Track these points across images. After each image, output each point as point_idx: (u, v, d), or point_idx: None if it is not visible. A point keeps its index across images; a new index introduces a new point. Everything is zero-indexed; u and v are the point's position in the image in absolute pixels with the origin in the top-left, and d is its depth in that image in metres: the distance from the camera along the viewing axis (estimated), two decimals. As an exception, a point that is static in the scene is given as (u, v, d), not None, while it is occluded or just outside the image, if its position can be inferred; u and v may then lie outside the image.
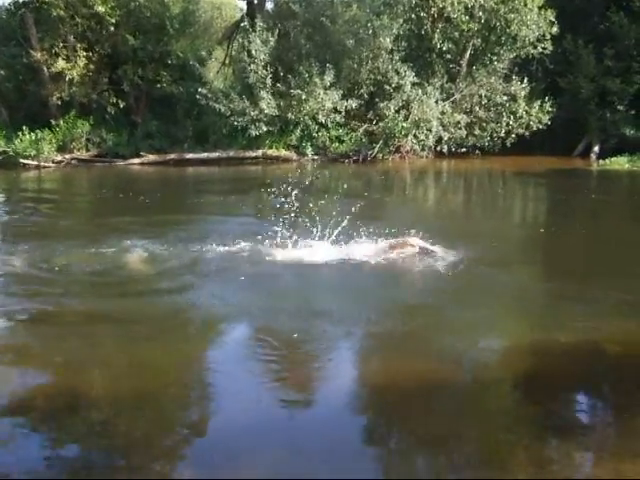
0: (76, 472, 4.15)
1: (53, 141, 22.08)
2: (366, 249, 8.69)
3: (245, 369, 5.71)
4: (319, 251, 8.65)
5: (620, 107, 24.28)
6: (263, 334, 6.44)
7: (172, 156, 22.20)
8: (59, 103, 22.73)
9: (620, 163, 22.40)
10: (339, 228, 8.92)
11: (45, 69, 22.50)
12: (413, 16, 23.55)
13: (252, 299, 7.37)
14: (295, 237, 9.02)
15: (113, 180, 19.86)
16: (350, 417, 4.90)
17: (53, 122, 22.28)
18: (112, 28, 22.57)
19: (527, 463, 4.18)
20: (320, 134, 22.70)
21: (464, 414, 4.85)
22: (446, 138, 23.11)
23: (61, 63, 22.10)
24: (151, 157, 22.07)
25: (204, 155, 22.21)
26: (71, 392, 5.17)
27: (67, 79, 22.11)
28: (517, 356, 5.97)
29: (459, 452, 4.36)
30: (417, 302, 7.35)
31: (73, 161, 22.21)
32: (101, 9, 21.83)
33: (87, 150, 22.74)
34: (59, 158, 22.02)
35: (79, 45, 22.71)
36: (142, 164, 21.91)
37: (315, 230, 9.08)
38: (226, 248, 9.09)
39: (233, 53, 25.14)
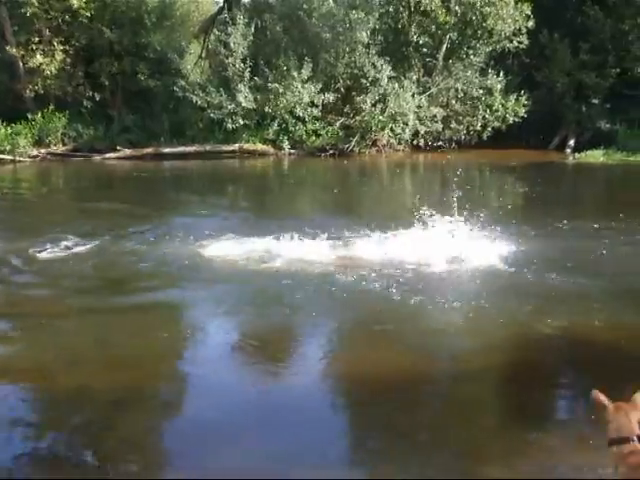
0: (56, 464, 4.18)
1: (29, 135, 21.99)
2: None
3: (225, 360, 5.80)
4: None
5: (595, 101, 24.47)
6: (243, 329, 6.53)
7: (149, 150, 22.13)
8: (33, 97, 22.59)
9: (595, 156, 22.57)
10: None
11: (20, 63, 22.37)
12: (390, 10, 23.60)
13: (235, 294, 7.49)
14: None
15: (88, 175, 19.81)
16: (329, 405, 4.99)
17: (29, 116, 22.17)
18: (87, 21, 22.46)
19: (505, 452, 4.25)
20: (297, 128, 22.71)
21: (443, 404, 4.97)
22: (422, 132, 23.18)
23: (38, 58, 21.98)
24: (127, 151, 22.00)
25: (180, 149, 22.17)
26: (47, 387, 5.23)
27: (44, 74, 21.99)
28: (498, 346, 6.04)
29: (436, 441, 4.43)
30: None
31: (49, 156, 22.09)
32: (75, 3, 21.66)
33: (63, 144, 22.65)
34: (35, 152, 21.90)
35: (55, 39, 22.58)
36: (118, 158, 21.84)
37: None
38: (203, 244, 9.14)
39: (210, 46, 25.01)
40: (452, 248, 8.38)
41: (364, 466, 4.25)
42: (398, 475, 4.01)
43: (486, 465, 4.12)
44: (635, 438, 2.89)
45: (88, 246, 9.28)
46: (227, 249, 8.89)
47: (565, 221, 10.57)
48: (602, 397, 3.05)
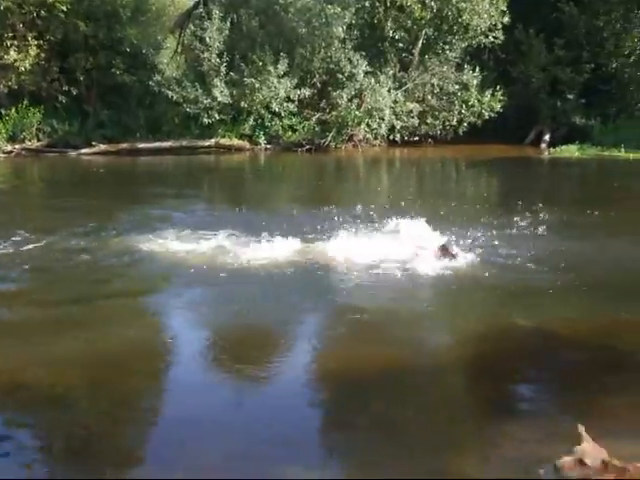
0: (31, 463, 4.14)
1: (3, 131, 21.81)
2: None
3: (201, 358, 5.75)
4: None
5: (570, 96, 24.72)
6: (222, 324, 6.49)
7: (124, 146, 21.98)
8: (7, 92, 22.38)
9: (570, 151, 22.77)
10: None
11: (-7, 58, 22.17)
12: (366, 4, 23.60)
13: (200, 292, 7.43)
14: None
15: (61, 171, 19.69)
16: (306, 402, 4.96)
17: (3, 112, 21.98)
18: (62, 16, 22.26)
19: (481, 444, 4.28)
20: (273, 123, 22.71)
21: (420, 398, 5.00)
22: (399, 127, 23.24)
23: (12, 54, 21.76)
24: (103, 147, 21.84)
25: (156, 144, 22.05)
26: (23, 383, 5.17)
27: (18, 70, 21.79)
28: (473, 341, 6.08)
29: (414, 434, 4.46)
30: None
31: (24, 151, 21.90)
32: (50, -3, 21.49)
33: (38, 140, 22.45)
34: (9, 148, 21.71)
35: (30, 34, 22.37)
36: (94, 154, 21.66)
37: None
38: (176, 240, 9.09)
39: (185, 41, 24.93)
40: (420, 246, 8.34)
41: (342, 461, 4.26)
42: (378, 469, 4.03)
43: (462, 456, 4.16)
44: None
45: (42, 242, 9.17)
46: (181, 245, 8.85)
47: (534, 215, 10.62)
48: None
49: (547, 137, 24.79)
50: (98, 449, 4.27)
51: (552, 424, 4.54)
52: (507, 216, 10.61)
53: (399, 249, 8.26)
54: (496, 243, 8.86)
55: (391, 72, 23.42)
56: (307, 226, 9.70)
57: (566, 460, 2.92)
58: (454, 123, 23.99)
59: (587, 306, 6.80)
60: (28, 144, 22.16)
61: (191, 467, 4.01)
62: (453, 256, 7.95)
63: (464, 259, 8.10)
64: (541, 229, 9.72)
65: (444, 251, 8.03)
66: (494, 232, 9.38)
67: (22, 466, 4.15)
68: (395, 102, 23.11)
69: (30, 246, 8.98)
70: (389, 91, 22.94)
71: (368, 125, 22.86)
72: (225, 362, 5.69)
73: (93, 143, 21.85)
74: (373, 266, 7.81)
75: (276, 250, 8.42)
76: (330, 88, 22.99)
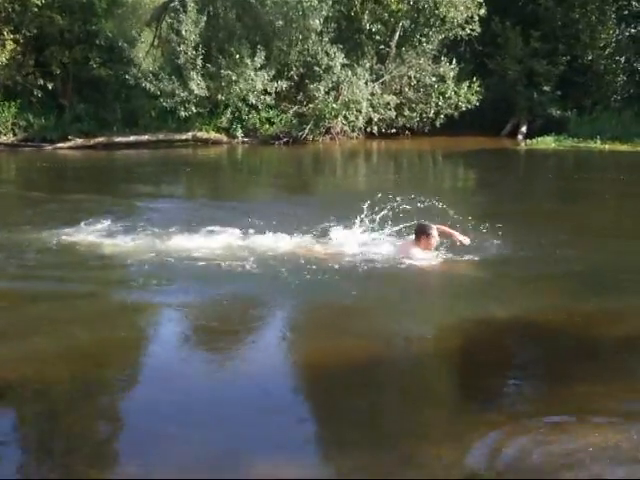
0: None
1: (-22, 126, 21.67)
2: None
3: (179, 351, 5.73)
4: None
5: (546, 88, 24.89)
6: (198, 317, 6.46)
7: (100, 139, 21.83)
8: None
9: (547, 142, 22.96)
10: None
11: (-32, 52, 21.95)
12: (343, -3, 23.60)
13: (195, 283, 7.37)
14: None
15: (37, 165, 19.55)
16: (286, 394, 4.95)
17: (-24, 106, 21.83)
18: (37, 9, 22.08)
19: (460, 433, 4.29)
20: (250, 116, 22.67)
21: (400, 388, 5.03)
22: (376, 119, 23.26)
23: (-13, 49, 21.59)
24: (79, 141, 21.66)
25: (133, 138, 21.93)
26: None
27: (-5, 65, 21.62)
28: (452, 332, 6.09)
29: (395, 425, 4.46)
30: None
31: (-1, 146, 21.78)
32: (24, -10, 21.30)
33: (14, 134, 22.28)
34: (-16, 143, 21.58)
35: (5, 28, 22.17)
36: (70, 148, 21.53)
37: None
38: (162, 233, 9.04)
39: (162, 34, 24.81)
40: (396, 239, 8.27)
41: (323, 454, 4.24)
42: (359, 462, 4.04)
43: (442, 446, 4.16)
44: None
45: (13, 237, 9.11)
46: (156, 240, 8.79)
47: (508, 207, 10.72)
48: None
49: (524, 129, 24.97)
50: (78, 445, 4.24)
51: (528, 410, 4.59)
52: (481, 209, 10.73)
53: (376, 241, 8.19)
54: (476, 236, 8.92)
55: (368, 64, 23.44)
56: (283, 219, 9.68)
57: None
58: (431, 115, 24.06)
59: (569, 297, 6.86)
60: (3, 139, 22.01)
61: (167, 461, 3.98)
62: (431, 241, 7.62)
63: (443, 251, 8.10)
64: (511, 222, 9.81)
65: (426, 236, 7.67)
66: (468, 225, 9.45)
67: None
68: (372, 94, 23.14)
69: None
70: (366, 83, 22.97)
71: (345, 118, 22.87)
72: (203, 353, 5.71)
73: (69, 137, 21.69)
74: (349, 257, 7.78)
75: (249, 243, 8.40)
76: (307, 81, 22.97)
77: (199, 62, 21.92)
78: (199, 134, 22.45)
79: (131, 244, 8.69)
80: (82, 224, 9.55)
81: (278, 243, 8.35)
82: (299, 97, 23.38)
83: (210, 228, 9.09)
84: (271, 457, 4.06)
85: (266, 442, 4.21)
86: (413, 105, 23.92)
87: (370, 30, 23.63)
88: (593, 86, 25.51)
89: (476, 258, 7.86)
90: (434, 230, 7.65)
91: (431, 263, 7.58)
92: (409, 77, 23.81)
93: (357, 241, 8.22)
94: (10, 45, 21.88)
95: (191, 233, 8.98)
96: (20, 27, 22.45)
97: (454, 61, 24.00)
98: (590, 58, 25.26)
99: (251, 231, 8.80)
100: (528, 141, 23.63)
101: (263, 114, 22.84)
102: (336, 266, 7.50)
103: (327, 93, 22.53)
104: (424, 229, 7.68)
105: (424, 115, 24.07)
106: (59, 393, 4.93)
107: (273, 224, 9.07)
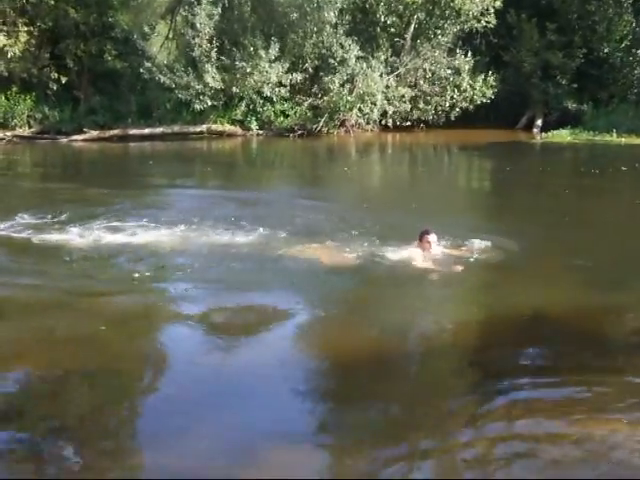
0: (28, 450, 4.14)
1: (-7, 118, 21.76)
2: None
3: (189, 339, 5.79)
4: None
5: (562, 81, 24.69)
6: (214, 308, 6.48)
7: (115, 132, 21.92)
8: (-4, 79, 22.30)
9: (562, 136, 22.80)
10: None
11: (-17, 45, 22.04)
12: (357, -11, 23.50)
13: (209, 274, 7.42)
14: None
15: (53, 157, 19.65)
16: (296, 381, 4.98)
17: (-7, 99, 21.93)
18: (52, 2, 22.12)
19: (465, 424, 4.30)
20: (265, 108, 22.65)
21: (410, 379, 5.06)
22: (391, 112, 23.18)
23: (2, 39, 21.60)
24: (94, 133, 21.75)
25: (147, 131, 21.99)
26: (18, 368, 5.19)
27: (9, 56, 21.65)
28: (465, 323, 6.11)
29: (403, 414, 4.51)
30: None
31: (15, 138, 21.82)
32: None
33: (29, 127, 22.38)
34: (0, 135, 21.63)
35: (20, 20, 22.24)
36: (85, 140, 21.60)
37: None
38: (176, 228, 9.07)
39: (177, 27, 24.81)
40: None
41: (332, 442, 4.26)
42: (367, 451, 4.05)
43: (455, 437, 4.17)
44: None
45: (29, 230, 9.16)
46: (170, 230, 8.89)
47: (519, 202, 10.66)
48: None
49: (539, 122, 24.82)
50: (93, 434, 4.25)
51: (540, 403, 4.58)
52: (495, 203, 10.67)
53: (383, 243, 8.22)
54: (485, 231, 8.89)
55: (383, 57, 23.32)
56: (297, 215, 9.78)
57: None
58: (446, 108, 23.93)
59: (576, 290, 6.85)
60: (19, 131, 22.09)
61: (189, 449, 3.98)
62: (429, 243, 7.76)
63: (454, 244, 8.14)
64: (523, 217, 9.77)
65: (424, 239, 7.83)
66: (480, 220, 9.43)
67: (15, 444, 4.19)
68: (387, 87, 23.06)
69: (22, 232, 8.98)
70: (381, 76, 22.88)
71: (360, 110, 22.80)
72: (214, 343, 5.73)
73: (84, 129, 21.76)
74: (356, 258, 7.79)
75: (261, 238, 8.46)
76: (322, 73, 22.89)
77: (214, 55, 21.91)
78: (214, 126, 22.45)
79: (144, 238, 8.71)
80: (98, 219, 9.61)
81: (290, 243, 8.35)
82: (314, 89, 23.31)
83: (223, 222, 9.19)
84: (285, 446, 4.06)
85: (280, 430, 4.23)
86: (428, 98, 23.80)
87: (385, 22, 23.51)
88: (609, 79, 25.26)
89: (486, 253, 7.87)
90: (432, 235, 7.80)
91: (431, 263, 7.62)
92: (424, 70, 23.68)
93: (364, 243, 8.24)
94: (24, 37, 21.93)
95: (207, 228, 9.00)
96: (35, 20, 22.52)
97: (469, 54, 23.85)
98: (606, 51, 25.02)
99: (265, 229, 8.83)
100: (543, 134, 23.49)
101: (278, 106, 22.81)
102: (343, 266, 7.53)
103: (342, 85, 22.45)
104: (422, 232, 7.87)
105: (439, 108, 23.93)
106: (74, 382, 4.97)
107: (290, 222, 9.15)
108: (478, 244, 8.10)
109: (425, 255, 7.71)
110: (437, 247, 7.83)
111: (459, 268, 7.34)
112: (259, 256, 7.84)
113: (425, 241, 7.75)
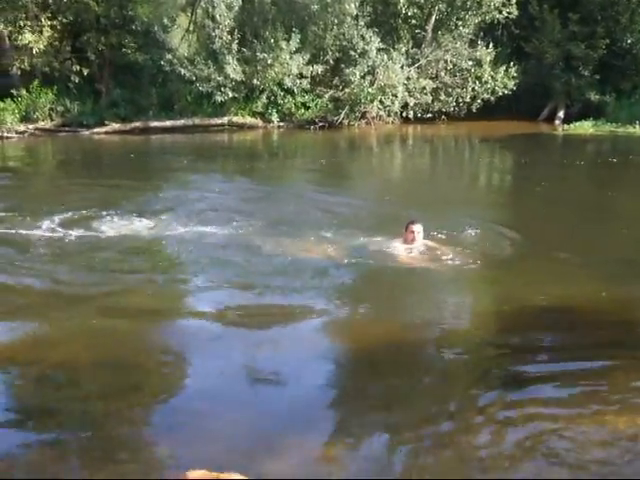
0: (48, 444, 4.15)
1: (16, 111, 21.79)
2: None
3: (216, 331, 5.81)
4: None
5: (585, 72, 24.41)
6: (231, 302, 6.49)
7: (137, 124, 21.98)
8: (19, 73, 22.39)
9: (584, 128, 22.61)
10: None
11: (7, 39, 22.15)
12: (378, -19, 23.41)
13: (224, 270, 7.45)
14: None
15: (75, 150, 19.73)
16: (317, 373, 5.00)
17: (15, 92, 21.99)
18: (74, -5, 22.20)
19: (488, 418, 4.29)
20: (286, 100, 22.61)
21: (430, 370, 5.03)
22: (412, 104, 23.10)
23: (27, 36, 21.68)
24: (116, 126, 21.82)
25: (169, 123, 22.04)
26: (37, 360, 5.20)
27: (34, 51, 21.74)
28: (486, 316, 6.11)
29: (421, 406, 4.50)
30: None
31: (37, 131, 21.91)
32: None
33: (51, 120, 22.45)
34: (22, 128, 21.73)
35: (43, 15, 22.33)
36: (107, 133, 21.68)
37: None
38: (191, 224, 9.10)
39: (197, 19, 24.81)
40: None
41: (350, 432, 4.24)
42: (391, 443, 4.05)
43: (473, 428, 4.17)
44: None
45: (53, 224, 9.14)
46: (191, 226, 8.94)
47: (541, 194, 10.60)
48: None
49: (561, 114, 24.61)
50: (111, 425, 4.27)
51: (560, 398, 4.55)
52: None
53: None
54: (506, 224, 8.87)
55: (404, 49, 23.23)
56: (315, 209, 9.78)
57: None
58: (467, 100, 23.79)
59: (596, 283, 6.77)
60: (41, 124, 22.19)
61: (206, 442, 3.98)
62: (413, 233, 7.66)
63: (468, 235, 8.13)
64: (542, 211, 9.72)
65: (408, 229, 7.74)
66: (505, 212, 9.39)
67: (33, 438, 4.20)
68: (408, 79, 22.96)
69: (44, 228, 8.97)
70: (402, 68, 22.78)
71: (381, 102, 22.72)
72: (232, 335, 5.79)
73: (106, 122, 21.85)
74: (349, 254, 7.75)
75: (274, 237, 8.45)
76: (343, 65, 22.81)
77: (234, 46, 21.89)
78: (235, 119, 22.44)
79: (161, 232, 8.78)
80: (119, 212, 9.68)
81: (303, 239, 8.35)
82: (334, 81, 23.21)
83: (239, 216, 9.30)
84: (306, 437, 4.07)
85: (300, 422, 4.26)
86: (449, 90, 23.68)
87: (406, 14, 23.41)
88: (632, 70, 24.92)
89: (500, 248, 7.92)
90: (415, 225, 7.67)
91: (413, 255, 7.59)
92: (445, 61, 23.56)
93: (359, 238, 8.23)
94: (47, 32, 22.03)
95: (228, 223, 9.06)
96: (57, 14, 22.61)
97: (491, 45, 23.70)
98: (629, 41, 24.68)
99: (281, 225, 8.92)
100: (565, 126, 23.29)
101: (299, 99, 22.76)
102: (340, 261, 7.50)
103: (363, 77, 22.36)
104: (408, 222, 7.79)
105: (460, 100, 23.79)
106: (94, 372, 5.01)
107: (310, 216, 9.25)
108: (473, 236, 8.14)
109: (408, 247, 7.63)
110: (421, 238, 7.69)
111: (443, 262, 7.30)
112: (274, 252, 7.86)
113: (409, 231, 7.64)
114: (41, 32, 21.91)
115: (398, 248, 7.64)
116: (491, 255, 7.70)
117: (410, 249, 7.61)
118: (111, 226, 8.94)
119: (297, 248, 7.92)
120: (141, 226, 9.00)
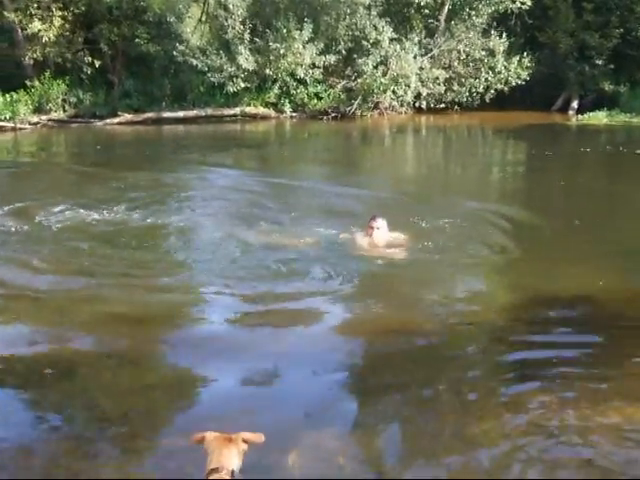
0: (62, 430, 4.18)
1: (29, 102, 21.84)
2: None
3: (229, 324, 5.80)
4: None
5: (599, 62, 24.23)
6: (243, 292, 6.47)
7: (149, 115, 22.03)
8: (32, 64, 22.44)
9: (598, 118, 22.44)
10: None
11: (19, 30, 22.18)
12: (391, -30, 23.29)
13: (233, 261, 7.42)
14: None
15: (88, 141, 19.77)
16: (332, 364, 4.99)
17: (28, 83, 22.04)
18: (85, -14, 22.22)
19: (496, 408, 4.28)
20: (298, 91, 22.58)
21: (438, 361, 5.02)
22: (425, 94, 23.03)
23: (37, 24, 21.70)
24: (128, 116, 21.89)
25: (181, 113, 22.06)
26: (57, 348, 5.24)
27: (43, 40, 21.77)
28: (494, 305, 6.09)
29: (438, 398, 4.48)
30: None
31: (50, 122, 21.97)
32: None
33: (64, 111, 22.50)
34: (35, 119, 21.79)
35: (54, 5, 22.36)
36: (119, 124, 21.73)
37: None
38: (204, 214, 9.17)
39: (209, 9, 24.79)
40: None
41: (366, 426, 4.23)
42: (407, 435, 4.07)
43: (488, 420, 4.15)
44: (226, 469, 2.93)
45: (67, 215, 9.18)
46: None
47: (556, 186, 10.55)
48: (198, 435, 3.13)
49: (575, 104, 24.43)
50: (131, 417, 4.28)
51: (569, 388, 4.51)
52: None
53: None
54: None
55: (417, 39, 23.11)
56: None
57: None
58: (480, 90, 23.68)
59: (609, 275, 6.70)
60: (54, 115, 22.23)
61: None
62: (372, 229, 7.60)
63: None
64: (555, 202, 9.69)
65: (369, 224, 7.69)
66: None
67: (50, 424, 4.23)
68: (421, 69, 22.88)
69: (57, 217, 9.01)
70: (415, 58, 22.68)
71: (394, 92, 22.64)
72: (249, 328, 5.80)
73: (119, 113, 21.89)
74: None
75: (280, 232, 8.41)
76: (355, 55, 22.75)
77: (247, 36, 21.87)
78: (247, 109, 22.47)
79: (174, 222, 8.79)
80: (134, 202, 9.74)
81: (311, 232, 8.27)
82: (347, 72, 23.18)
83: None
84: (323, 430, 4.06)
85: (317, 415, 4.24)
86: (462, 80, 23.58)
87: (419, 4, 23.29)
88: (647, 60, 24.80)
89: (507, 240, 7.89)
90: (377, 221, 7.62)
91: (373, 248, 7.55)
92: (458, 51, 23.44)
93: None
94: (58, 22, 22.04)
95: (242, 217, 9.06)
96: (69, 4, 22.63)
97: (504, 35, 23.54)
98: (644, 31, 24.54)
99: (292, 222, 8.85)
100: (579, 116, 23.10)
101: (311, 89, 22.74)
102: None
103: (375, 67, 22.28)
104: (370, 218, 7.77)
105: (473, 90, 23.69)
106: (113, 363, 5.02)
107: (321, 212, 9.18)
108: (479, 225, 8.22)
109: (367, 241, 7.62)
110: (382, 233, 7.62)
111: (398, 254, 7.35)
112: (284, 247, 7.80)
113: (369, 226, 7.64)
114: (51, 21, 21.94)
115: (359, 240, 7.71)
116: (496, 245, 7.73)
117: (370, 242, 7.60)
118: (114, 217, 9.00)
119: (297, 240, 7.93)
120: (153, 216, 9.05)
